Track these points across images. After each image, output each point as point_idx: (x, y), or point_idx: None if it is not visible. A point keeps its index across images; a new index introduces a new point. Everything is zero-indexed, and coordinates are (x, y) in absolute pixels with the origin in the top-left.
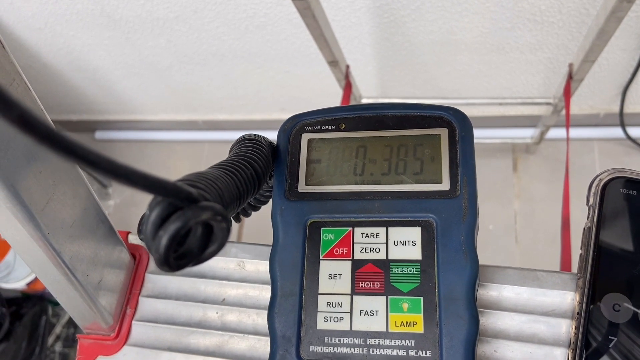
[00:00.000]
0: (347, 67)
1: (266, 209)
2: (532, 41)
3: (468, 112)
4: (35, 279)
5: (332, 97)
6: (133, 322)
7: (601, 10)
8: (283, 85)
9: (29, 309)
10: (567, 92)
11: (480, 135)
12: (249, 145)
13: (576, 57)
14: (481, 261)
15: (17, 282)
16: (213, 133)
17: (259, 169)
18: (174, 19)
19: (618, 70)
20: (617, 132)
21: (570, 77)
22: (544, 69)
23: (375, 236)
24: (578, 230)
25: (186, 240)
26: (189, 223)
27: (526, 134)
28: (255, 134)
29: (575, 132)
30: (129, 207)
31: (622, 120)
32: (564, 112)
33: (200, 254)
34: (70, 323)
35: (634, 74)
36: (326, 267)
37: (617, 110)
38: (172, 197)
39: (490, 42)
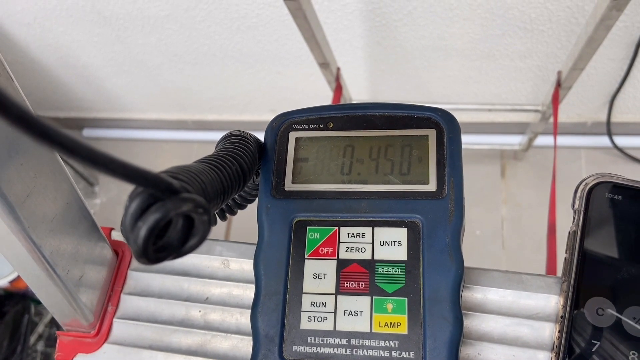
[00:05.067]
0: (338, 69)
1: (254, 208)
2: (522, 49)
3: (457, 117)
4: (18, 277)
5: (322, 100)
6: (114, 319)
7: (591, 19)
8: (274, 87)
9: (11, 307)
10: (556, 100)
11: (468, 141)
12: (235, 141)
13: (565, 64)
14: (467, 266)
15: None
16: (202, 133)
17: (245, 165)
18: (165, 17)
19: (606, 79)
20: (604, 140)
21: (558, 84)
22: (533, 76)
23: (361, 236)
24: (564, 237)
25: (166, 233)
26: (169, 214)
27: (514, 141)
28: (242, 131)
29: (562, 140)
30: (115, 206)
31: (609, 129)
32: (552, 119)
33: (180, 247)
34: (53, 322)
35: (622, 84)
36: (311, 266)
37: (605, 119)
38: (152, 188)
39: (481, 49)
